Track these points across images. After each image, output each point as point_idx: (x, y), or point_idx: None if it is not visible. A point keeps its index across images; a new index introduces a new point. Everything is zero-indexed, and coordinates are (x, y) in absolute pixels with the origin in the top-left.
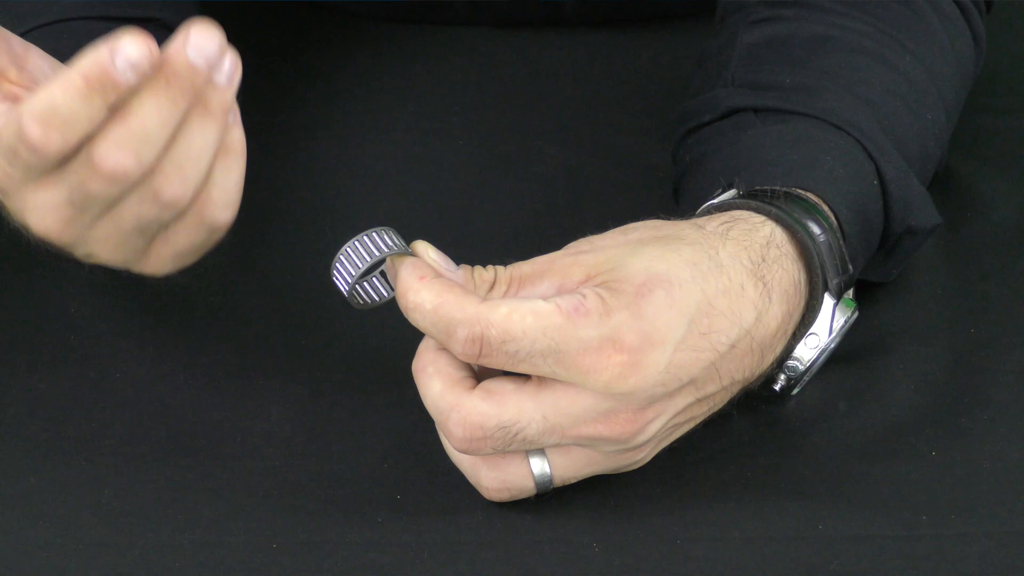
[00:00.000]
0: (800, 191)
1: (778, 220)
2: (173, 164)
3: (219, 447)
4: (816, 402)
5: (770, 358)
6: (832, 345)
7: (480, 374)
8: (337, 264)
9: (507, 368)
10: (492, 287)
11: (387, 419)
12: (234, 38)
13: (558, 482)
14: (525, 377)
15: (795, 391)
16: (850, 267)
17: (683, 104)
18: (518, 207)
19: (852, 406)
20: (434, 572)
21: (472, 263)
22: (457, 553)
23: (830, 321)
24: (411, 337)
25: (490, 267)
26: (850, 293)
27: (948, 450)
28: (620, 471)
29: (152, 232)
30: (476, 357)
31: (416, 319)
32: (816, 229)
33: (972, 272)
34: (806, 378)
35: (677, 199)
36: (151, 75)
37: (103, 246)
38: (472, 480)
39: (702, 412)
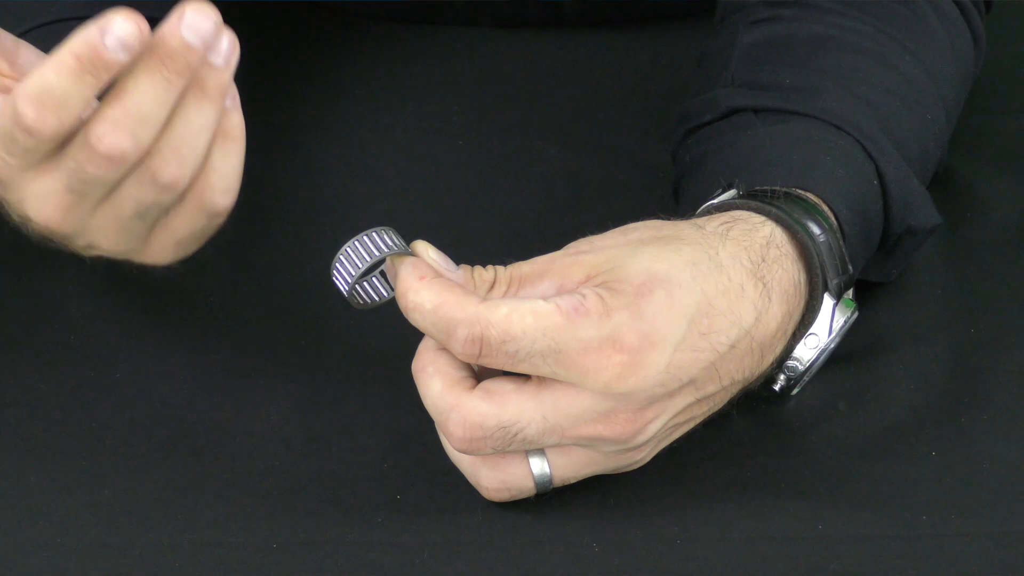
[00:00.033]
0: (800, 191)
1: (778, 220)
2: (170, 146)
3: (219, 447)
4: (816, 402)
5: (770, 358)
6: (832, 345)
7: (480, 374)
8: (337, 264)
9: (507, 368)
10: (492, 287)
11: (387, 419)
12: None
13: (558, 482)
14: (525, 377)
15: (795, 391)
16: (850, 267)
17: (683, 104)
18: (518, 207)
19: (852, 406)
20: (434, 572)
21: (472, 263)
22: (457, 553)
23: (830, 321)
24: (411, 337)
25: (490, 267)
26: (850, 293)
27: (948, 450)
28: (620, 471)
29: (152, 218)
30: (476, 357)
31: (416, 319)
32: (816, 229)
33: (972, 272)
34: (806, 378)
35: (677, 199)
36: (145, 55)
37: (104, 235)
38: (472, 480)
39: (702, 412)
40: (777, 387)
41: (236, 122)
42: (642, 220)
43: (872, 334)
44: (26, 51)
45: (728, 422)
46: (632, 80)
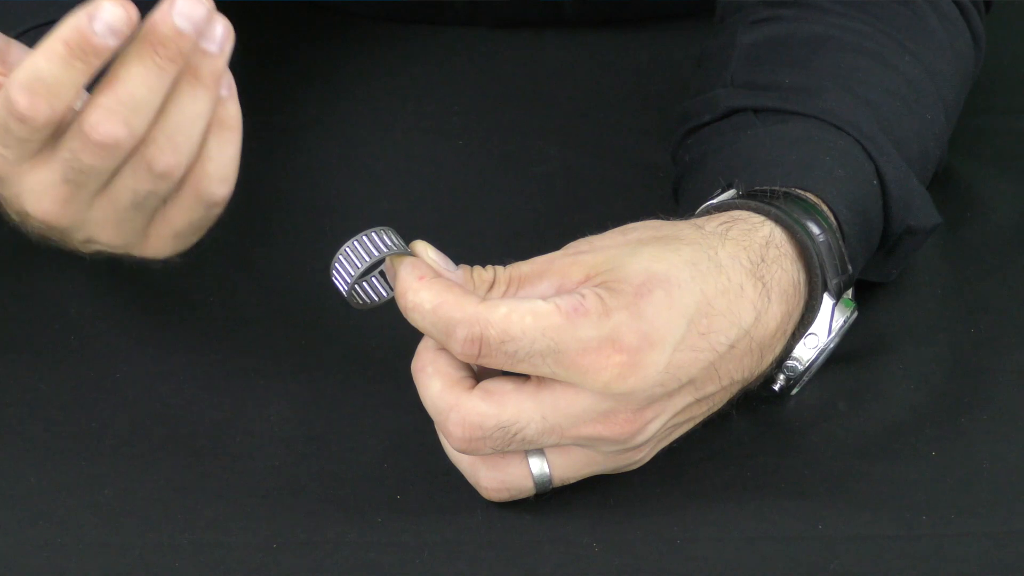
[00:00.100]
0: (799, 191)
1: (777, 220)
2: (165, 134)
3: (219, 447)
4: (816, 402)
5: (769, 358)
6: (831, 345)
7: (479, 374)
8: (336, 264)
9: (506, 368)
10: (491, 287)
11: (387, 419)
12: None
13: (557, 482)
14: (524, 377)
15: (794, 391)
16: (849, 267)
17: (683, 104)
18: (518, 207)
19: (852, 406)
20: (434, 572)
21: (472, 263)
22: (457, 553)
23: (829, 321)
24: (411, 337)
25: (489, 267)
26: (849, 293)
27: (948, 450)
28: (619, 471)
29: (150, 208)
30: (475, 357)
31: (415, 319)
32: (815, 229)
33: (972, 272)
34: (805, 378)
35: (677, 199)
36: (137, 42)
37: (102, 228)
38: (471, 480)
39: (701, 412)
40: (777, 387)
41: (232, 111)
42: (642, 220)
43: (872, 334)
44: (17, 50)
45: (728, 422)
46: (632, 80)
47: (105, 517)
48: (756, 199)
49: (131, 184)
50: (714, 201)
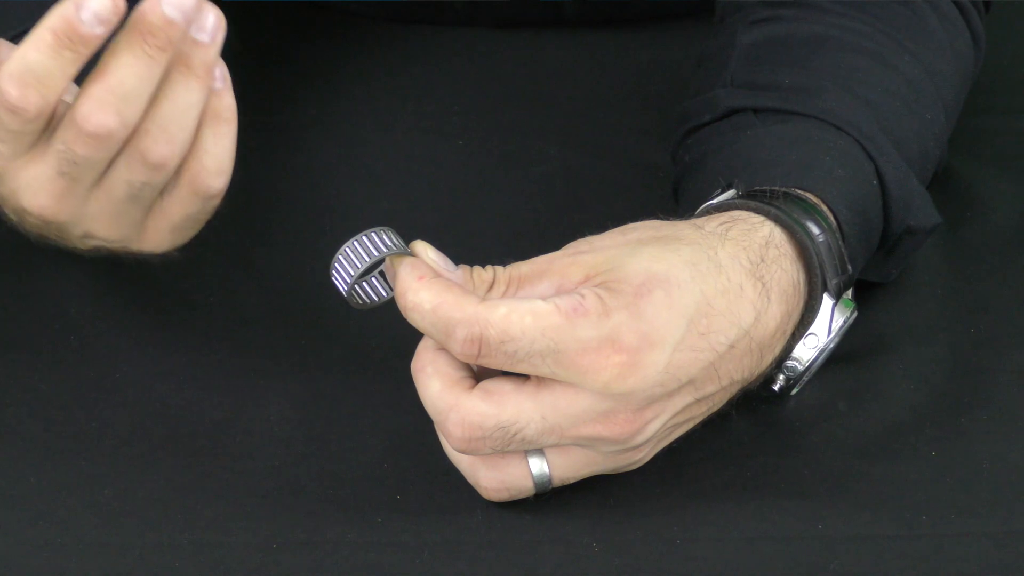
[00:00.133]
0: (799, 191)
1: (777, 220)
2: (158, 125)
3: (219, 447)
4: (816, 402)
5: (769, 358)
6: (831, 345)
7: (479, 374)
8: (336, 264)
9: (506, 368)
10: (491, 287)
11: (387, 419)
12: (234, 38)
13: (557, 482)
14: (524, 377)
15: (794, 391)
16: (849, 267)
17: (683, 104)
18: (518, 207)
19: (852, 406)
20: (434, 572)
21: (471, 263)
22: (457, 553)
23: (829, 321)
24: (410, 337)
25: (489, 267)
26: (849, 293)
27: (948, 450)
28: (619, 471)
29: (146, 201)
30: (475, 357)
31: (415, 319)
32: (815, 229)
33: (972, 272)
34: (805, 378)
35: (677, 199)
36: (126, 31)
37: (99, 222)
38: (471, 480)
39: (701, 412)
40: (776, 387)
41: (227, 103)
42: (642, 220)
43: (872, 334)
44: (6, 48)
45: (728, 422)
46: (632, 80)
47: (105, 517)
48: (756, 199)
49: (126, 176)
50: (714, 201)
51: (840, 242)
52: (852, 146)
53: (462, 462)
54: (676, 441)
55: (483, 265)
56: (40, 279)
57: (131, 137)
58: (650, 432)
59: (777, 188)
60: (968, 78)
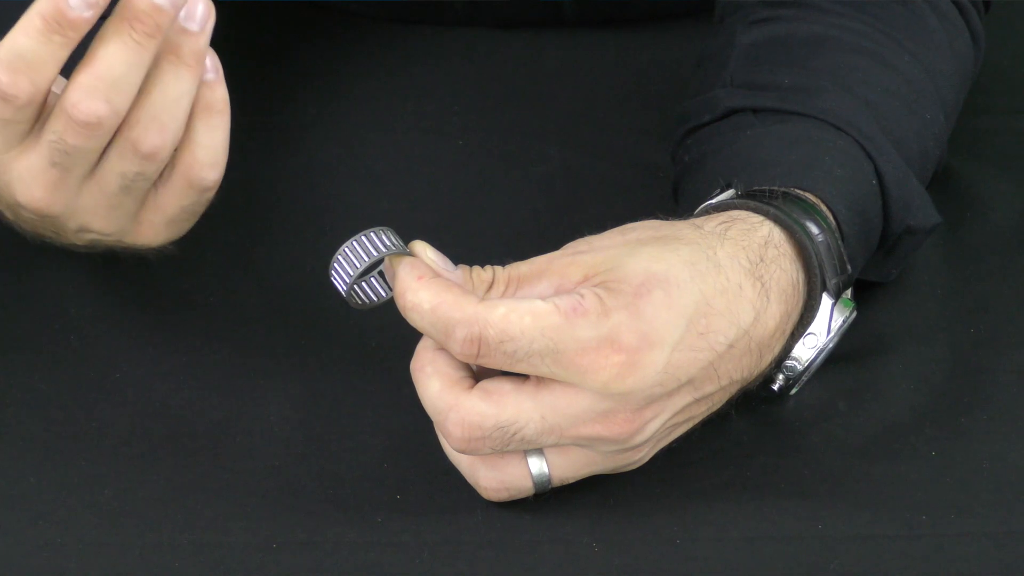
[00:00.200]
0: (799, 191)
1: (776, 220)
2: (149, 114)
3: (219, 447)
4: (815, 402)
5: (768, 358)
6: (830, 345)
7: (479, 374)
8: (335, 264)
9: (505, 368)
10: (490, 287)
11: (387, 419)
12: (234, 38)
13: (556, 482)
14: (523, 377)
15: (794, 391)
16: (848, 267)
17: (682, 104)
18: (518, 207)
19: (852, 406)
20: (434, 572)
21: (471, 263)
22: (457, 553)
23: (828, 321)
24: (410, 337)
25: (488, 267)
26: (848, 293)
27: (948, 450)
28: (619, 471)
29: (139, 193)
30: (474, 357)
31: (414, 319)
32: (814, 229)
33: (972, 272)
34: (805, 378)
35: (676, 199)
36: (114, 18)
37: (93, 214)
38: (470, 480)
39: (701, 412)
40: (776, 387)
41: (219, 95)
42: (641, 220)
43: (872, 334)
44: None
45: (727, 422)
46: (632, 80)
47: (105, 517)
48: (755, 199)
49: (118, 167)
50: (713, 201)
51: (839, 242)
52: (851, 146)
53: (462, 462)
54: (676, 441)
55: (482, 265)
56: (40, 279)
57: (122, 127)
58: (649, 432)
59: (776, 188)
60: (968, 78)
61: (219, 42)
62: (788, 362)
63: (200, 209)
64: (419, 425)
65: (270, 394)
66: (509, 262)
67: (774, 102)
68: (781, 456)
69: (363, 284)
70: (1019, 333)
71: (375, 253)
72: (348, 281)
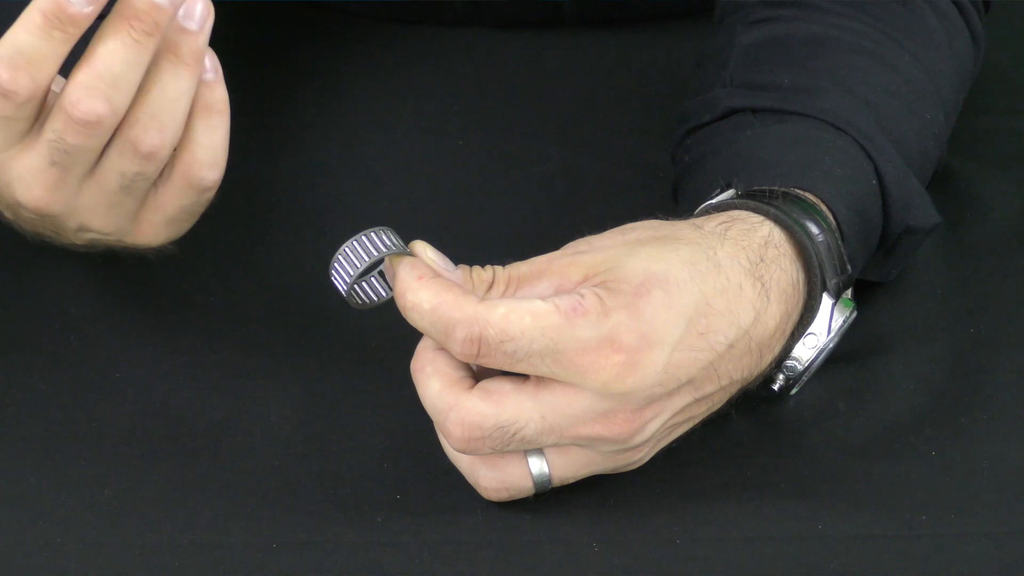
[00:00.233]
0: (799, 191)
1: (776, 220)
2: (148, 114)
3: (219, 447)
4: (816, 402)
5: (768, 358)
6: (831, 345)
7: (479, 374)
8: (336, 264)
9: (505, 368)
10: (490, 287)
11: (387, 419)
12: (234, 38)
13: (556, 482)
14: (523, 377)
15: (794, 391)
16: (848, 267)
17: (682, 105)
18: (518, 207)
19: (852, 406)
20: (434, 572)
21: (471, 263)
22: (457, 553)
23: (828, 321)
24: (410, 337)
25: (488, 267)
26: (849, 293)
27: (948, 450)
28: (619, 471)
29: (139, 192)
30: (474, 357)
31: (414, 319)
32: (814, 229)
33: (972, 272)
34: (805, 378)
35: (676, 199)
36: (113, 17)
37: (93, 213)
38: (470, 480)
39: (701, 412)
40: (776, 387)
41: (219, 95)
42: (641, 220)
43: (872, 334)
44: None
45: (727, 422)
46: (632, 80)
47: (105, 517)
48: (755, 199)
49: (118, 167)
50: (713, 201)
51: (839, 242)
52: (851, 146)
53: (462, 462)
54: (676, 441)
55: (483, 265)
56: (40, 279)
57: (122, 127)
58: (649, 432)
59: (776, 188)
60: (968, 78)
61: (219, 42)
62: (788, 362)
63: (200, 209)
64: (419, 425)
65: (270, 394)
66: (509, 262)
67: (774, 102)
68: (781, 456)
69: (363, 284)
70: (1019, 333)
71: (375, 253)
72: (348, 281)
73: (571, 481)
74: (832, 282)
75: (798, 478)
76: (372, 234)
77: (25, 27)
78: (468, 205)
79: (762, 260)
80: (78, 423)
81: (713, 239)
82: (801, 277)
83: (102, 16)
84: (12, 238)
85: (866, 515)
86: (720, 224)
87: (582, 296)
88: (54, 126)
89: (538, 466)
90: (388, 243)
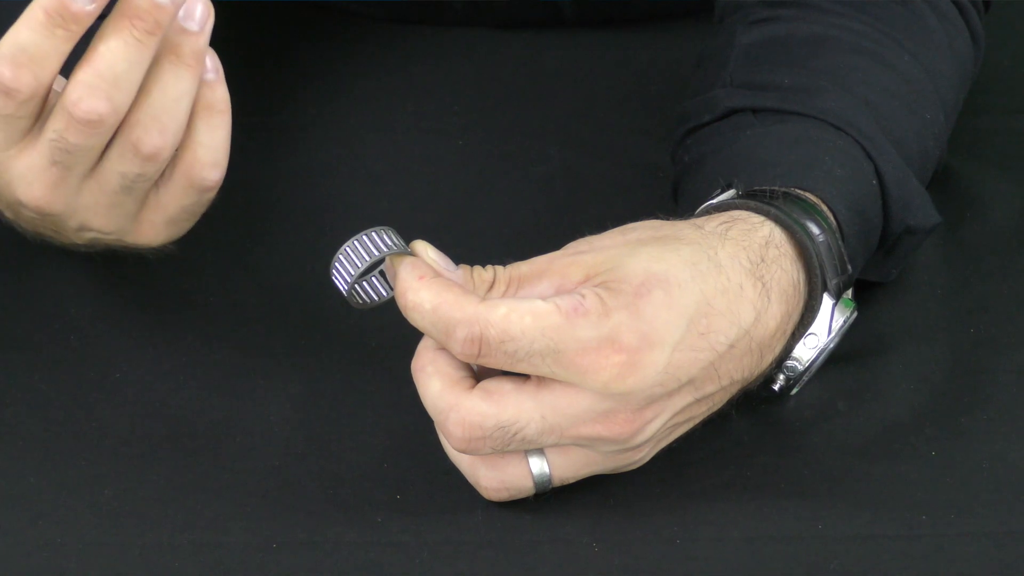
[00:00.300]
0: (799, 191)
1: (777, 220)
2: (149, 115)
3: (219, 447)
4: (816, 402)
5: (769, 358)
6: (831, 345)
7: (479, 374)
8: (336, 263)
9: (506, 368)
10: (491, 287)
11: (387, 419)
12: (234, 38)
13: (557, 482)
14: (524, 377)
15: (794, 391)
16: (849, 267)
17: (682, 105)
18: (518, 207)
19: (852, 406)
20: (434, 572)
21: (472, 263)
22: (457, 553)
23: (829, 321)
24: (411, 337)
25: (489, 267)
26: (849, 293)
27: (948, 450)
28: (619, 471)
29: (140, 193)
30: (475, 357)
31: (415, 319)
32: (815, 229)
33: (972, 272)
34: (805, 378)
35: (676, 200)
36: (115, 16)
37: (93, 213)
38: (471, 480)
39: (701, 412)
40: (776, 387)
41: (220, 95)
42: (641, 220)
43: (872, 334)
44: None
45: (727, 422)
46: (632, 80)
47: (105, 517)
48: (756, 199)
49: (119, 168)
50: (714, 201)
51: (840, 242)
52: (851, 146)
53: (462, 462)
54: (676, 441)
55: (483, 265)
56: (40, 279)
57: (123, 128)
58: (650, 432)
59: (777, 188)
60: (968, 78)
61: (219, 42)
62: (789, 362)
63: (201, 209)
64: (419, 425)
65: (270, 394)
66: (509, 262)
67: (774, 102)
68: (781, 456)
69: (364, 284)
70: (1019, 333)
71: (376, 253)
72: (349, 281)
73: (571, 481)
74: (833, 282)
75: (798, 478)
76: (373, 234)
77: (28, 24)
78: (468, 205)
79: (763, 260)
80: (78, 423)
81: (714, 239)
82: (802, 277)
83: (103, 16)
84: (12, 238)
85: (866, 515)
86: (721, 224)
87: (583, 296)
88: (55, 125)
89: (538, 466)
90: (389, 243)
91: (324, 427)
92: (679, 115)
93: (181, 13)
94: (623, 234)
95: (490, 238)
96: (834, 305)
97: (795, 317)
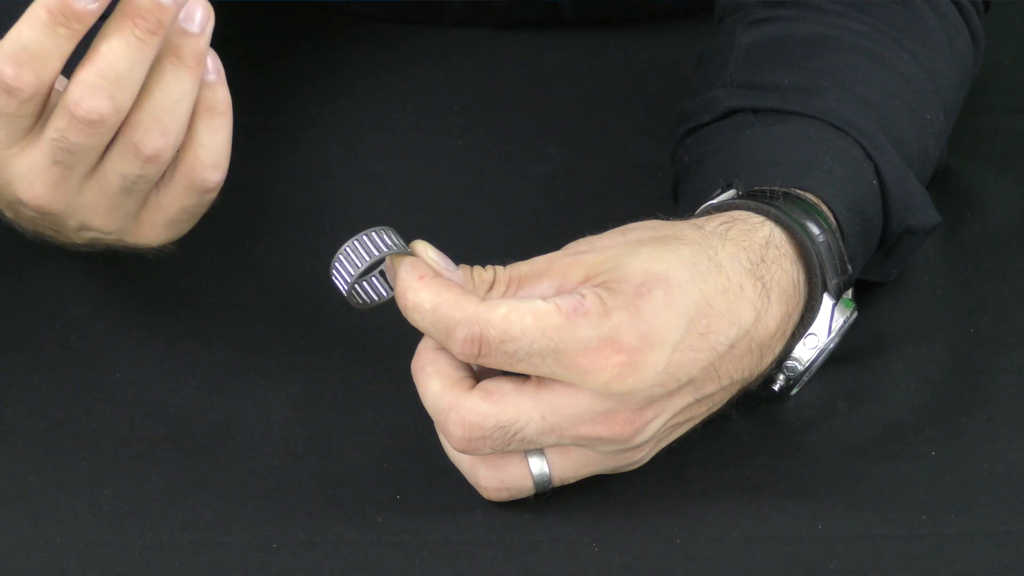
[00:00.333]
0: (799, 191)
1: (777, 220)
2: (150, 116)
3: (219, 447)
4: (816, 402)
5: (769, 358)
6: (831, 345)
7: (479, 374)
8: (336, 263)
9: (506, 368)
10: (491, 287)
11: (387, 419)
12: (234, 38)
13: (557, 482)
14: (524, 377)
15: (794, 391)
16: (849, 267)
17: (682, 105)
18: (518, 207)
19: (852, 406)
20: (434, 572)
21: (472, 263)
22: (457, 553)
23: (829, 321)
24: (411, 337)
25: (489, 267)
26: (849, 293)
27: (948, 450)
28: (619, 471)
29: (140, 194)
30: (475, 357)
31: (415, 319)
32: (815, 229)
33: (972, 272)
34: (805, 378)
35: (676, 200)
36: (116, 16)
37: (94, 212)
38: (471, 480)
39: (701, 412)
40: (776, 387)
41: (221, 96)
42: (641, 220)
43: (872, 334)
44: None
45: (728, 422)
46: (632, 80)
47: (105, 517)
48: (756, 199)
49: (120, 169)
50: (714, 201)
51: (840, 242)
52: (851, 146)
53: (462, 462)
54: (676, 441)
55: (483, 265)
56: (40, 279)
57: (124, 129)
58: (650, 432)
59: (777, 188)
60: (968, 78)
61: (219, 42)
62: (789, 362)
63: (201, 210)
64: (419, 425)
65: (270, 394)
66: (509, 262)
67: (774, 102)
68: (781, 456)
69: (364, 284)
70: (1019, 333)
71: (376, 253)
72: (349, 281)
73: (571, 481)
74: (833, 282)
75: (798, 478)
76: (373, 234)
77: (30, 23)
78: (468, 205)
79: (763, 260)
80: (78, 423)
81: (714, 239)
82: (802, 277)
83: (104, 16)
84: (12, 238)
85: (866, 515)
86: (721, 224)
87: (583, 296)
88: (57, 124)
89: (538, 466)
90: (389, 243)
91: (324, 427)
92: (679, 115)
93: (181, 15)
94: (623, 234)
95: (490, 238)
96: (834, 305)
97: (795, 317)
